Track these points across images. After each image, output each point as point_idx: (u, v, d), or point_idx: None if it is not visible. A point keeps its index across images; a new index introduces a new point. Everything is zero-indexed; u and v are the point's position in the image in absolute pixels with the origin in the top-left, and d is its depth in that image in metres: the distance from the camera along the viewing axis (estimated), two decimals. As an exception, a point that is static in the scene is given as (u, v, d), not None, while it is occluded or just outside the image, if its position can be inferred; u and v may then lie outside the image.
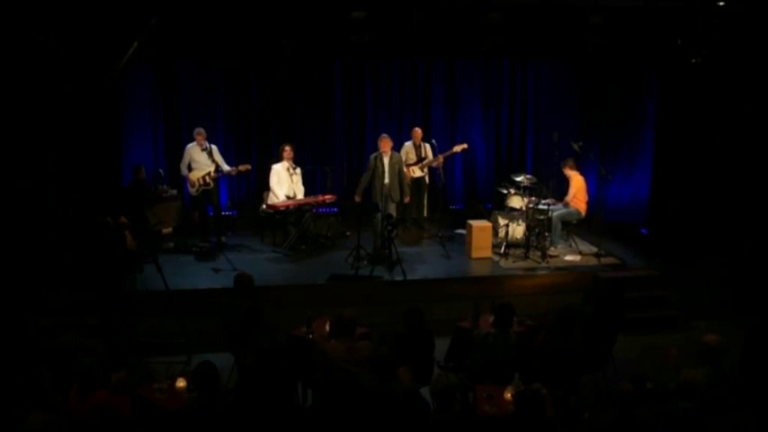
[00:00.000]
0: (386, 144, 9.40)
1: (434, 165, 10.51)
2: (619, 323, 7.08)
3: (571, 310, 5.98)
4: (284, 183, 9.76)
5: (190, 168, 9.74)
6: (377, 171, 9.37)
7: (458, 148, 10.69)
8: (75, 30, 7.91)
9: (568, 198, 9.71)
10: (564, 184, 9.89)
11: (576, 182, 9.76)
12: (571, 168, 9.78)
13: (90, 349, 5.36)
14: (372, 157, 9.50)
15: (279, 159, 9.90)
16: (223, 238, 9.85)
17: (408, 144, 10.62)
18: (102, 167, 8.79)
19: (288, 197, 9.72)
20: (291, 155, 9.82)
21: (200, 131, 9.66)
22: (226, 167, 9.77)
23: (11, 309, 7.34)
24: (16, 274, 7.72)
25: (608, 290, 8.48)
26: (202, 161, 9.64)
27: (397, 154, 9.69)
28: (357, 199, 9.60)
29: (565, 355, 5.66)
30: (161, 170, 10.56)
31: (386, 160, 9.38)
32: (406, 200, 9.76)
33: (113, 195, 9.00)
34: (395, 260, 8.77)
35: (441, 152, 10.49)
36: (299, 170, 9.95)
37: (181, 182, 10.56)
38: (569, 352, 5.69)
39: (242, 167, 9.79)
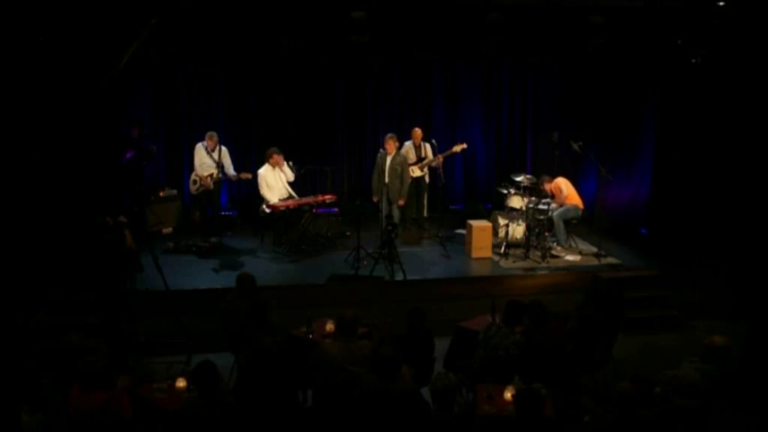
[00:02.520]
0: (389, 145, 9.86)
1: (434, 164, 10.50)
2: (619, 323, 7.08)
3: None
4: (273, 186, 9.69)
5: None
6: (379, 169, 9.86)
7: (457, 148, 10.67)
8: (75, 30, 7.91)
9: (562, 198, 9.75)
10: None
11: (561, 184, 9.82)
12: (548, 182, 9.85)
13: (91, 349, 5.35)
14: (379, 155, 9.98)
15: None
16: (213, 239, 9.78)
17: (408, 144, 10.62)
18: (102, 169, 8.78)
19: (281, 200, 9.69)
20: (277, 161, 9.66)
21: (211, 135, 9.67)
22: (231, 172, 9.77)
23: (10, 308, 7.33)
24: (16, 274, 7.72)
25: (608, 290, 8.49)
26: (207, 163, 9.64)
27: (400, 155, 9.94)
28: (375, 200, 10.07)
29: (565, 355, 5.66)
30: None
31: (388, 160, 9.80)
32: (400, 203, 9.85)
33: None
34: (395, 260, 8.77)
35: (440, 152, 10.49)
36: (285, 167, 9.77)
37: (181, 182, 10.54)
38: (569, 352, 5.70)
39: (243, 175, 9.82)
